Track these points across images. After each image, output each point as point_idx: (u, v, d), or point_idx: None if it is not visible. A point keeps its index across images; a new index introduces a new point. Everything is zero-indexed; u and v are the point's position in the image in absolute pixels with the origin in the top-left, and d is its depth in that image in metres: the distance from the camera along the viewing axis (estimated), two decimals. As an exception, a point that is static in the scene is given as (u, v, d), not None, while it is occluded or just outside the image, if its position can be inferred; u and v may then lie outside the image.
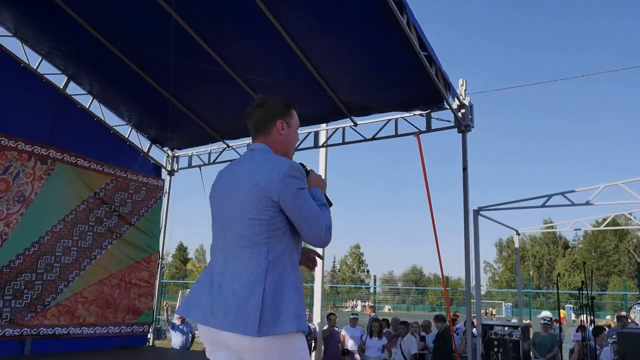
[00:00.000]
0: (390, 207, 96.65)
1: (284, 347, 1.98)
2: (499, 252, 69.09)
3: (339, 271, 78.84)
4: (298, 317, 2.01)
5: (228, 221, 2.18)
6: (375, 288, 23.06)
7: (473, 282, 6.72)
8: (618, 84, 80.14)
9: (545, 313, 10.48)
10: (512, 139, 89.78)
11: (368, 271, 77.78)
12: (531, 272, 58.18)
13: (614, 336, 6.63)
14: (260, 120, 2.36)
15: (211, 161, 9.34)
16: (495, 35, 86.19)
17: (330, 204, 2.34)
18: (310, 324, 9.48)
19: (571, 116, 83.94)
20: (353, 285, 62.11)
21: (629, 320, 8.81)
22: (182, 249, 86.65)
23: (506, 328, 6.50)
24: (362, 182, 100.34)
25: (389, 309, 44.08)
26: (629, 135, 78.53)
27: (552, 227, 8.64)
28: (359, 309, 40.25)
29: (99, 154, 8.54)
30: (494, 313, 38.28)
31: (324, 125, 8.27)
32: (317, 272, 9.93)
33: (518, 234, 8.50)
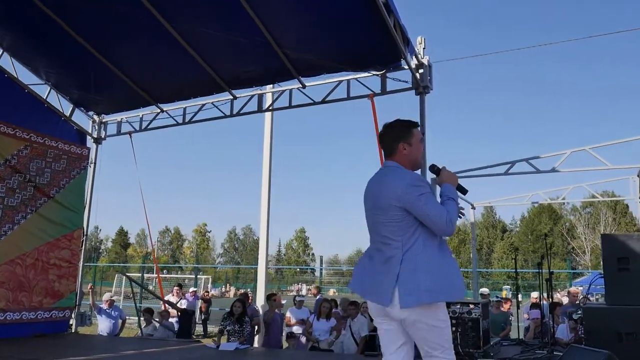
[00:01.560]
0: (339, 185, 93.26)
1: (427, 316, 2.66)
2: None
3: (285, 255, 78.38)
4: (430, 292, 2.60)
5: (375, 225, 2.86)
6: (321, 270, 22.47)
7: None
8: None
9: (484, 290, 10.25)
10: (475, 106, 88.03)
11: (313, 254, 77.67)
12: (471, 255, 59.68)
13: (579, 312, 6.32)
14: (387, 145, 2.97)
15: (143, 127, 8.38)
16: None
17: (465, 192, 3.03)
18: (254, 306, 8.79)
19: (533, 83, 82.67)
20: (298, 267, 61.79)
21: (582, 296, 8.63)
22: (122, 234, 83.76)
23: (471, 306, 6.02)
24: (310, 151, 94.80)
25: (334, 292, 43.97)
26: (595, 100, 78.36)
27: (506, 200, 8.25)
28: (304, 292, 39.92)
29: (11, 116, 7.45)
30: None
31: (269, 88, 7.50)
32: (261, 255, 9.22)
33: (473, 207, 8.10)
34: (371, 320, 7.25)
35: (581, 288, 12.74)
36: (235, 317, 7.18)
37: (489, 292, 10.25)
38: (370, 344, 6.91)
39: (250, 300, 9.34)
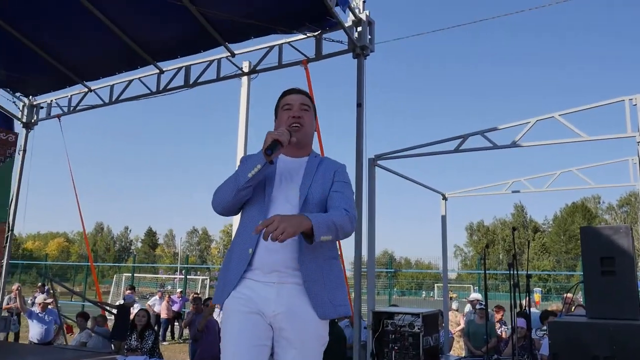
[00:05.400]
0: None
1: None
2: (469, 236, 68.46)
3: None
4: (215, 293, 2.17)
5: None
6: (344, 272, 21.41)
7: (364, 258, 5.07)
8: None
9: (475, 295, 8.94)
10: (424, 72, 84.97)
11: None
12: (500, 256, 57.57)
13: (544, 327, 5.07)
14: None
15: (72, 109, 7.47)
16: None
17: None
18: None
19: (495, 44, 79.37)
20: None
21: (575, 303, 7.31)
22: (151, 234, 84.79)
23: (413, 317, 4.83)
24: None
25: (350, 298, 42.80)
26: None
27: (484, 188, 7.00)
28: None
29: None
30: (452, 297, 37.05)
31: (197, 59, 6.47)
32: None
33: (445, 198, 6.88)
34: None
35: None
36: (138, 332, 6.11)
37: (480, 298, 8.87)
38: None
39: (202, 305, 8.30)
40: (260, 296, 1.99)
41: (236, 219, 2.41)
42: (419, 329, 4.57)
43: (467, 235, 68.60)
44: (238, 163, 2.29)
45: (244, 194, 2.06)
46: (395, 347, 4.56)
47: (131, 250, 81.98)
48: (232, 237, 2.27)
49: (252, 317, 1.97)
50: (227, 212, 2.13)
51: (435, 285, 44.15)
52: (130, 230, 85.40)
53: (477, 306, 7.72)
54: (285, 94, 2.34)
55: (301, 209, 2.04)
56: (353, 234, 4.48)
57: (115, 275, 22.44)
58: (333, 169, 2.23)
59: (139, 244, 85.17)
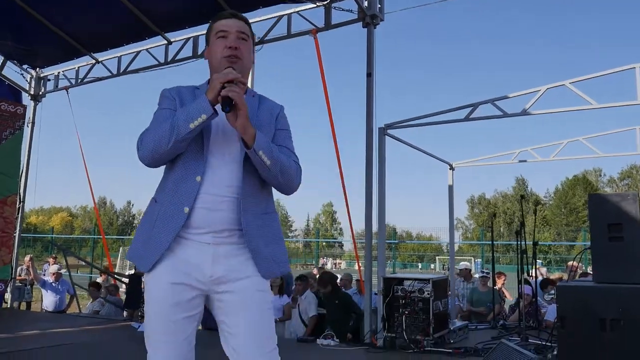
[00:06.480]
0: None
1: None
2: (471, 208, 68.66)
3: (312, 229, 78.02)
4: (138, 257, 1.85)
5: None
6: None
7: (375, 227, 5.14)
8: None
9: (464, 263, 9.03)
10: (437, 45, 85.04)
11: (341, 229, 77.03)
12: (502, 229, 57.87)
13: (552, 292, 5.18)
14: None
15: (79, 81, 7.47)
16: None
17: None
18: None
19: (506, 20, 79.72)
20: (325, 240, 61.20)
21: (580, 271, 7.42)
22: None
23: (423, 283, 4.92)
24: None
25: (361, 266, 43.16)
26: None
27: (491, 157, 7.05)
28: (329, 266, 39.39)
29: None
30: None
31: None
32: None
33: (452, 168, 6.93)
34: (319, 297, 6.28)
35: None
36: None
37: (468, 265, 8.96)
38: (321, 325, 5.90)
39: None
40: (195, 259, 1.76)
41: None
42: (428, 294, 4.68)
43: (468, 209, 68.81)
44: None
45: (182, 146, 1.77)
46: (406, 312, 4.67)
47: (134, 225, 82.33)
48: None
49: (178, 288, 1.74)
50: (157, 164, 1.83)
51: (437, 257, 44.57)
52: (132, 205, 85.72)
53: (479, 274, 7.84)
54: (220, 17, 1.96)
55: (245, 161, 1.80)
56: (362, 210, 4.48)
57: (120, 249, 22.66)
58: (275, 112, 1.98)
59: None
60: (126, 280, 7.78)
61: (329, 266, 38.98)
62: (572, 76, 4.35)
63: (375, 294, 5.04)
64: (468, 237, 65.57)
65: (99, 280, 8.96)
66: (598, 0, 74.14)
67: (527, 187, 62.83)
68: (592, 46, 74.54)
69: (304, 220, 75.76)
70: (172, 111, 1.84)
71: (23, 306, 8.13)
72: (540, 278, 6.90)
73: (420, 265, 43.30)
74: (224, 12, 1.95)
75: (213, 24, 1.94)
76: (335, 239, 68.55)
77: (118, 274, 8.73)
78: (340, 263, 45.76)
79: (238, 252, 1.79)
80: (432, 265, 43.85)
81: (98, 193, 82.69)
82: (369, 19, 5.13)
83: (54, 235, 28.15)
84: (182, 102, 1.87)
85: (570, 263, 7.62)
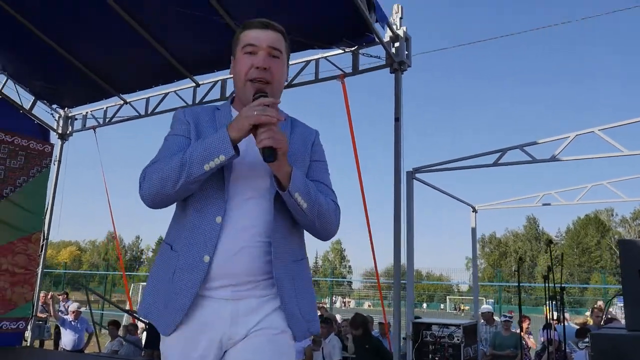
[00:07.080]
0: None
1: None
2: (482, 247, 68.07)
3: (321, 267, 77.47)
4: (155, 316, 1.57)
5: None
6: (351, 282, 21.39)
7: (404, 266, 5.14)
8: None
9: (485, 307, 8.95)
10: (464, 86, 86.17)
11: (350, 267, 76.42)
12: (513, 268, 57.13)
13: (586, 340, 5.12)
14: None
15: (107, 121, 7.64)
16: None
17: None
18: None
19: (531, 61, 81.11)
20: (333, 279, 60.57)
21: (608, 316, 7.31)
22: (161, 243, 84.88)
23: (452, 328, 4.90)
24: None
25: (369, 305, 42.69)
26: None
27: (513, 201, 7.06)
28: (337, 305, 38.90)
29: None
30: (463, 308, 36.76)
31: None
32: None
33: (475, 210, 6.96)
34: (344, 340, 6.24)
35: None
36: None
37: (491, 309, 8.90)
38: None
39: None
40: (212, 320, 1.50)
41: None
42: (459, 340, 4.64)
43: (479, 248, 68.25)
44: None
45: (193, 188, 1.48)
46: (436, 358, 4.63)
47: (142, 260, 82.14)
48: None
49: (194, 356, 1.50)
50: (160, 206, 1.53)
51: (447, 297, 43.94)
52: (141, 240, 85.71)
53: (502, 318, 7.75)
54: (249, 26, 1.62)
55: (275, 199, 1.52)
56: (392, 247, 4.47)
57: (131, 285, 22.62)
58: (309, 139, 1.69)
59: (150, 254, 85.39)
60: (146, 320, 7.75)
61: (338, 305, 38.46)
62: (601, 119, 4.45)
63: (404, 338, 5.00)
64: (479, 276, 64.77)
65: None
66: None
67: (538, 225, 62.37)
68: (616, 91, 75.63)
69: (313, 257, 75.28)
70: (186, 139, 1.58)
71: (48, 344, 8.11)
72: (567, 323, 6.82)
73: (425, 305, 42.66)
74: (254, 21, 1.62)
75: (240, 33, 1.64)
76: (344, 277, 67.91)
77: (136, 314, 8.68)
78: (350, 302, 45.18)
79: (263, 305, 1.52)
80: (442, 305, 43.23)
81: (107, 227, 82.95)
82: (397, 65, 5.27)
83: (62, 271, 28.09)
84: (198, 128, 1.60)
85: (596, 307, 7.53)
